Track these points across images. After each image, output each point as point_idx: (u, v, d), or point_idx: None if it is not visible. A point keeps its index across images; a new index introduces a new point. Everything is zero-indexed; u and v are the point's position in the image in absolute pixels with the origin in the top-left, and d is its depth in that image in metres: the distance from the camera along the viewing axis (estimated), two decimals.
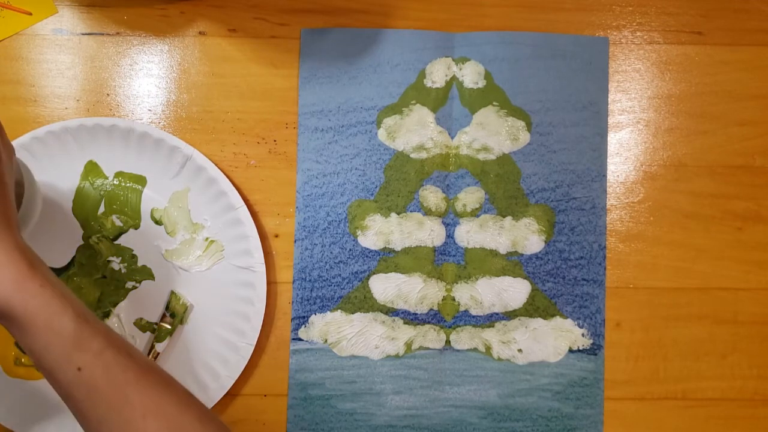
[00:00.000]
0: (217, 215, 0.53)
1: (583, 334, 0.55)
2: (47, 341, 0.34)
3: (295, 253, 0.54)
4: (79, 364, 0.34)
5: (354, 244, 0.55)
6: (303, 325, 0.54)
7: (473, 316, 0.54)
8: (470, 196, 0.55)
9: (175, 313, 0.53)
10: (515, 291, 0.55)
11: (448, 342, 0.54)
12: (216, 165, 0.52)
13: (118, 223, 0.54)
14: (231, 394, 0.54)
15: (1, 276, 0.34)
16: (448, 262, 0.55)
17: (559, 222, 0.55)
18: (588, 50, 0.56)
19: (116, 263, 0.54)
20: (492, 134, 0.55)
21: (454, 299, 0.54)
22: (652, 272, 0.55)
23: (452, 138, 0.55)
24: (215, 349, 0.53)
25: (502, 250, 0.55)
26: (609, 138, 0.56)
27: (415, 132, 0.55)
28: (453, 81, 0.55)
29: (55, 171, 0.53)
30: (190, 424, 0.35)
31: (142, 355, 0.37)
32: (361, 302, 0.54)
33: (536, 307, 0.55)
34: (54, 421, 0.53)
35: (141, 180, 0.54)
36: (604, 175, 0.55)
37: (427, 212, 0.55)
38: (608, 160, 0.56)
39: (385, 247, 0.55)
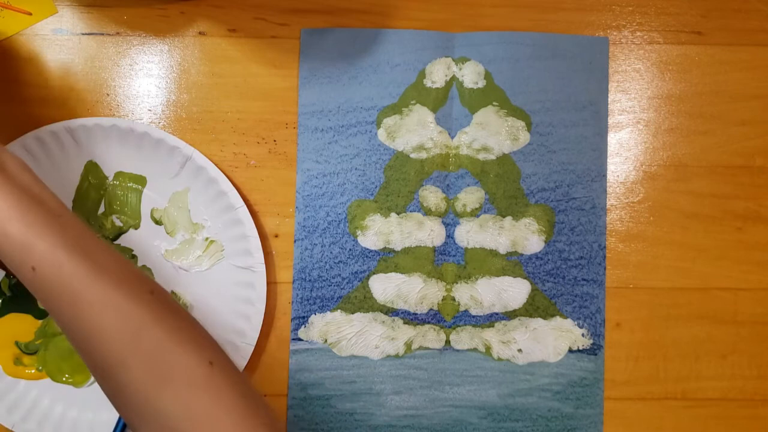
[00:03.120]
0: (217, 215, 0.53)
1: (583, 334, 0.55)
2: (1, 246, 0.36)
3: (295, 253, 0.54)
4: (32, 263, 0.35)
5: (354, 244, 0.55)
6: (303, 325, 0.54)
7: (473, 316, 0.54)
8: (470, 196, 0.55)
9: None
10: (515, 291, 0.55)
11: (448, 342, 0.54)
12: (216, 165, 0.52)
13: (118, 223, 0.54)
14: None
15: None
16: (448, 262, 0.55)
17: (559, 222, 0.55)
18: (588, 50, 0.56)
19: None
20: (492, 134, 0.55)
21: (454, 299, 0.54)
22: (652, 272, 0.55)
23: (452, 138, 0.55)
24: None
25: (502, 250, 0.55)
26: (609, 138, 0.56)
27: (415, 132, 0.55)
28: (453, 81, 0.55)
29: (55, 171, 0.53)
30: (142, 318, 0.36)
31: (105, 254, 0.37)
32: (361, 302, 0.54)
33: (536, 307, 0.55)
34: (54, 421, 0.53)
35: (141, 180, 0.54)
36: (604, 175, 0.55)
37: (427, 212, 0.55)
38: (608, 160, 0.56)
39: (385, 247, 0.55)
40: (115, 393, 0.37)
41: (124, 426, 0.52)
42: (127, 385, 0.35)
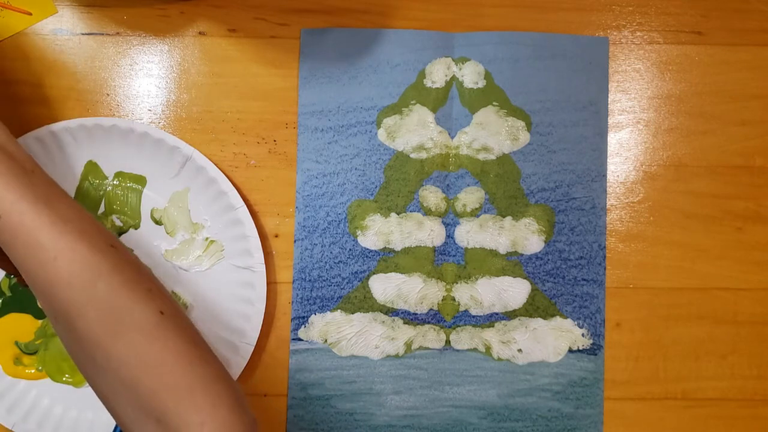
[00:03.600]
0: (217, 215, 0.53)
1: (583, 334, 0.55)
2: None
3: (295, 253, 0.54)
4: None
5: (354, 244, 0.55)
6: (303, 325, 0.54)
7: (473, 316, 0.54)
8: (470, 196, 0.55)
9: None
10: (515, 291, 0.55)
11: (448, 342, 0.54)
12: (216, 165, 0.52)
13: (118, 223, 0.54)
14: None
15: None
16: (448, 262, 0.55)
17: (559, 222, 0.55)
18: (588, 50, 0.56)
19: None
20: (492, 134, 0.55)
21: (454, 299, 0.54)
22: (652, 272, 0.55)
23: (452, 138, 0.55)
24: (215, 349, 0.53)
25: (502, 250, 0.55)
26: (609, 138, 0.56)
27: (415, 132, 0.55)
28: (453, 81, 0.55)
29: (55, 171, 0.53)
30: (99, 268, 0.38)
31: (69, 207, 0.39)
32: (361, 302, 0.54)
33: (536, 307, 0.55)
34: (54, 421, 0.53)
35: (141, 180, 0.54)
36: (604, 175, 0.55)
37: (427, 212, 0.55)
38: (608, 160, 0.56)
39: (385, 247, 0.55)
40: (71, 340, 0.38)
41: None
42: (83, 332, 0.37)
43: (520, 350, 0.54)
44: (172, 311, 0.39)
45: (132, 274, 0.39)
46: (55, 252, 0.37)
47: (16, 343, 0.54)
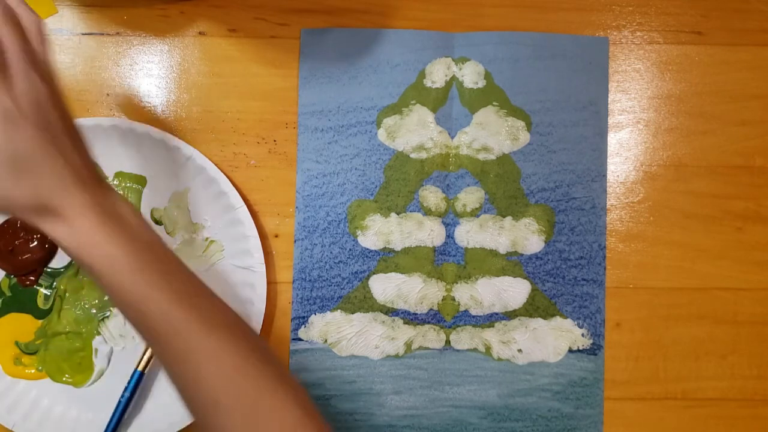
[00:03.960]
0: (217, 215, 0.53)
1: (583, 334, 0.55)
2: (116, 292, 0.38)
3: (295, 253, 0.54)
4: (143, 309, 0.37)
5: (354, 244, 0.55)
6: (303, 325, 0.54)
7: (473, 316, 0.54)
8: (470, 196, 0.55)
9: None
10: (515, 291, 0.55)
11: (448, 342, 0.54)
12: (216, 165, 0.52)
13: None
14: None
15: (75, 238, 0.37)
16: (448, 262, 0.55)
17: (559, 222, 0.55)
18: (588, 50, 0.56)
19: None
20: (492, 134, 0.55)
21: (454, 299, 0.54)
22: (652, 272, 0.55)
23: (452, 138, 0.55)
24: None
25: (502, 250, 0.55)
26: (609, 138, 0.56)
27: (415, 132, 0.55)
28: (453, 81, 0.55)
29: None
30: (249, 366, 0.38)
31: (211, 304, 0.40)
32: (361, 302, 0.54)
33: (536, 307, 0.55)
34: (54, 421, 0.53)
35: (141, 180, 0.54)
36: (604, 175, 0.55)
37: (427, 212, 0.55)
38: (608, 160, 0.56)
39: (385, 247, 0.55)
40: None
41: (116, 426, 0.52)
42: (223, 429, 0.37)
43: (520, 350, 0.54)
44: (306, 402, 0.39)
45: (275, 370, 0.39)
46: (202, 355, 0.37)
47: (16, 343, 0.54)
